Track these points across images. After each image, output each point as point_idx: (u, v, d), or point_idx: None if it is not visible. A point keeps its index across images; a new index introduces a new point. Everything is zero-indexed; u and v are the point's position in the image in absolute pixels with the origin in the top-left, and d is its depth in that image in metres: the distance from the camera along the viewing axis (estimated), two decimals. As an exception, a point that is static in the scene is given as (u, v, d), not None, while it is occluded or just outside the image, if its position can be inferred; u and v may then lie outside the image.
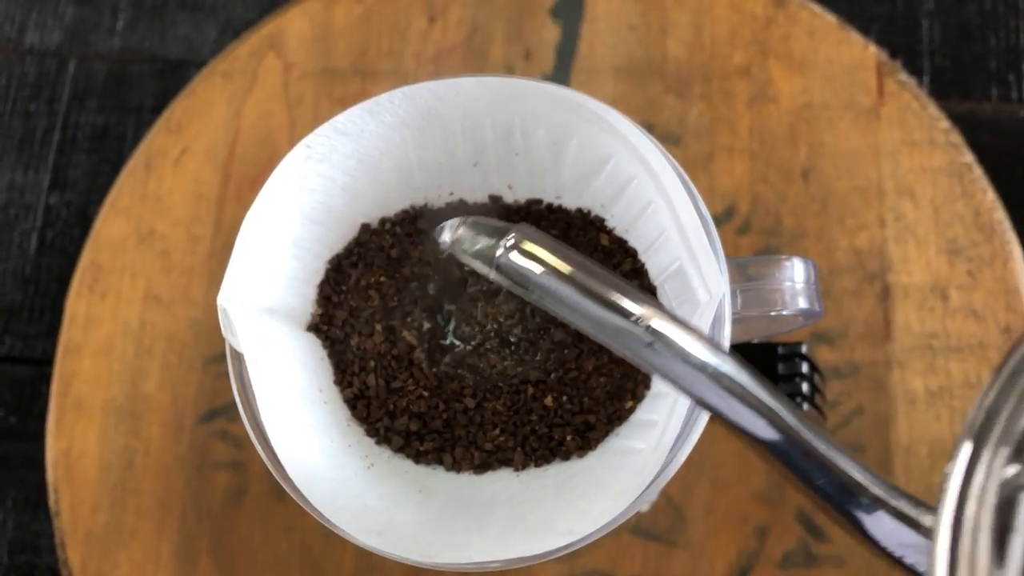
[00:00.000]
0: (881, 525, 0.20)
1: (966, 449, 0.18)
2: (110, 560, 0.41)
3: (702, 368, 0.20)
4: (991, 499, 0.18)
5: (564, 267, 0.21)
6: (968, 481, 0.18)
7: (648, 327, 0.20)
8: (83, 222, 0.47)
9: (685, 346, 0.20)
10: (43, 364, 0.45)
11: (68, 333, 0.44)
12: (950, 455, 0.18)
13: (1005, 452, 0.18)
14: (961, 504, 0.18)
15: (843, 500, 0.21)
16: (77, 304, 0.44)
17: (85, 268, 0.45)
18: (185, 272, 0.45)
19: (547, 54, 0.46)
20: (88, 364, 0.44)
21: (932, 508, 0.20)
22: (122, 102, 0.49)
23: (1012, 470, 0.18)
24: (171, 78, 0.49)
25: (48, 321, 0.46)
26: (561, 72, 0.46)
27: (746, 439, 0.21)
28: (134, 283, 0.44)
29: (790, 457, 0.21)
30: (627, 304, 0.21)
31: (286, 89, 0.47)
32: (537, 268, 0.21)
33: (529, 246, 0.22)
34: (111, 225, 0.45)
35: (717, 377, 0.20)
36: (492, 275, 0.22)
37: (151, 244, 0.45)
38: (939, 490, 0.18)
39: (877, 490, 0.21)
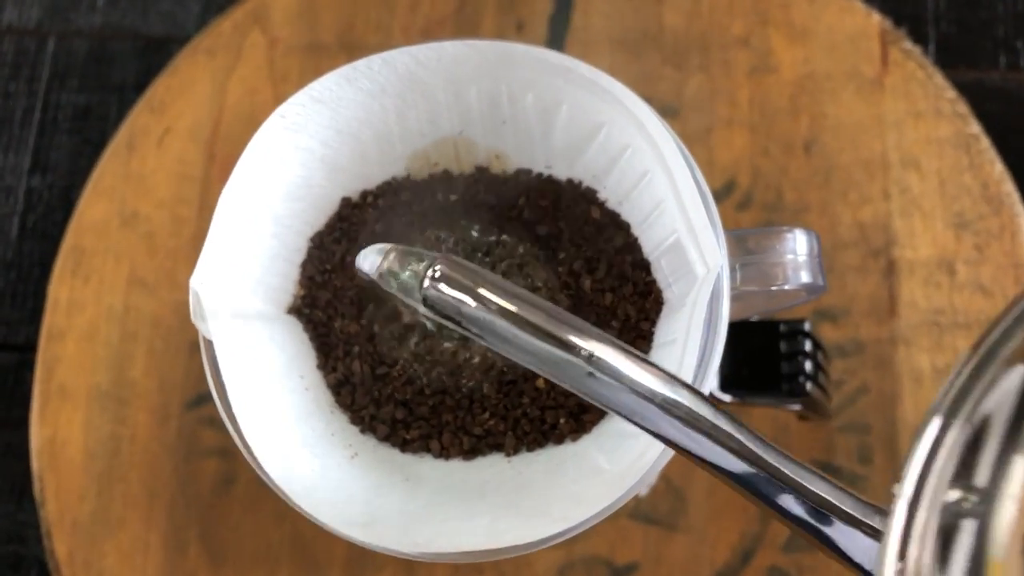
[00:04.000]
0: (856, 544, 0.20)
1: (926, 441, 0.17)
2: (97, 550, 0.40)
3: (651, 397, 0.20)
4: (935, 525, 0.17)
5: (496, 298, 0.20)
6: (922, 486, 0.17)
7: (590, 356, 0.20)
8: (66, 205, 0.46)
9: (632, 375, 0.20)
10: (26, 351, 0.44)
11: (51, 318, 0.43)
12: (902, 468, 0.18)
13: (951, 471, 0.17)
14: (910, 522, 0.17)
15: (817, 522, 0.20)
16: (60, 289, 0.43)
17: (67, 252, 0.44)
18: (170, 254, 0.44)
19: (540, 25, 0.45)
20: (72, 349, 0.42)
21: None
22: (104, 81, 0.48)
23: (953, 495, 0.17)
24: (154, 55, 0.48)
25: (31, 307, 0.45)
26: (555, 44, 0.45)
27: (709, 469, 0.20)
28: (118, 266, 0.43)
29: (756, 484, 0.20)
30: (566, 334, 0.20)
31: (271, 65, 0.45)
32: (467, 299, 0.21)
33: (456, 275, 0.21)
34: (93, 207, 0.44)
35: (669, 406, 0.20)
36: (420, 308, 0.22)
37: (134, 226, 0.44)
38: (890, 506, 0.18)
39: (851, 509, 0.20)
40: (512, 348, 0.20)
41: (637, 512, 0.39)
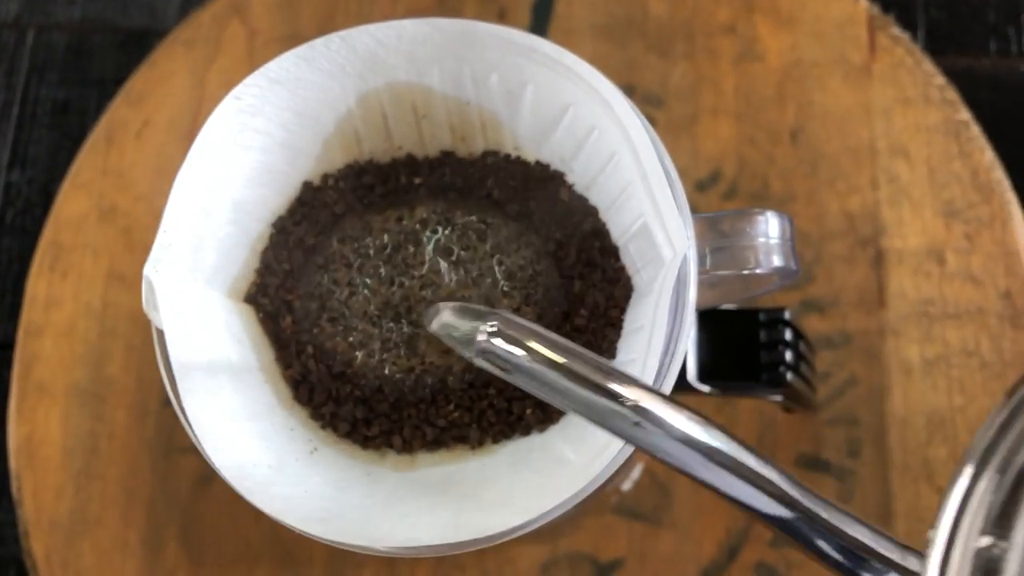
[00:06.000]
0: None
1: (954, 502, 0.18)
2: (75, 549, 0.40)
3: (692, 444, 0.20)
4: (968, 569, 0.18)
5: (547, 352, 0.22)
6: (952, 540, 0.18)
7: (635, 406, 0.21)
8: (45, 200, 0.45)
9: (674, 423, 0.20)
10: (4, 348, 0.44)
11: (28, 315, 0.42)
12: (936, 516, 0.18)
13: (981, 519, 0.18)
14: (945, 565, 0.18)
15: (856, 565, 0.20)
16: (38, 284, 0.43)
17: (45, 247, 0.43)
18: (149, 249, 0.42)
19: (523, 13, 0.44)
20: (50, 346, 0.42)
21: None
22: (83, 74, 0.47)
23: (985, 541, 0.18)
24: (134, 48, 0.47)
25: (9, 303, 0.45)
26: (538, 32, 0.44)
27: (747, 512, 0.21)
28: (96, 261, 0.43)
29: (794, 527, 0.21)
30: (612, 385, 0.21)
31: (251, 56, 0.45)
32: (520, 353, 0.22)
33: (511, 331, 0.22)
34: (71, 202, 0.44)
35: (709, 453, 0.20)
36: (477, 361, 0.23)
37: (113, 221, 0.43)
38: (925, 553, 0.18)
39: (889, 553, 0.20)
40: (562, 399, 0.22)
41: (621, 507, 0.39)
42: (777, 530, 0.21)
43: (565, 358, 0.21)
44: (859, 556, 0.20)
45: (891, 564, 0.20)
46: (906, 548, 0.21)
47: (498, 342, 0.22)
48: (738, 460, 0.20)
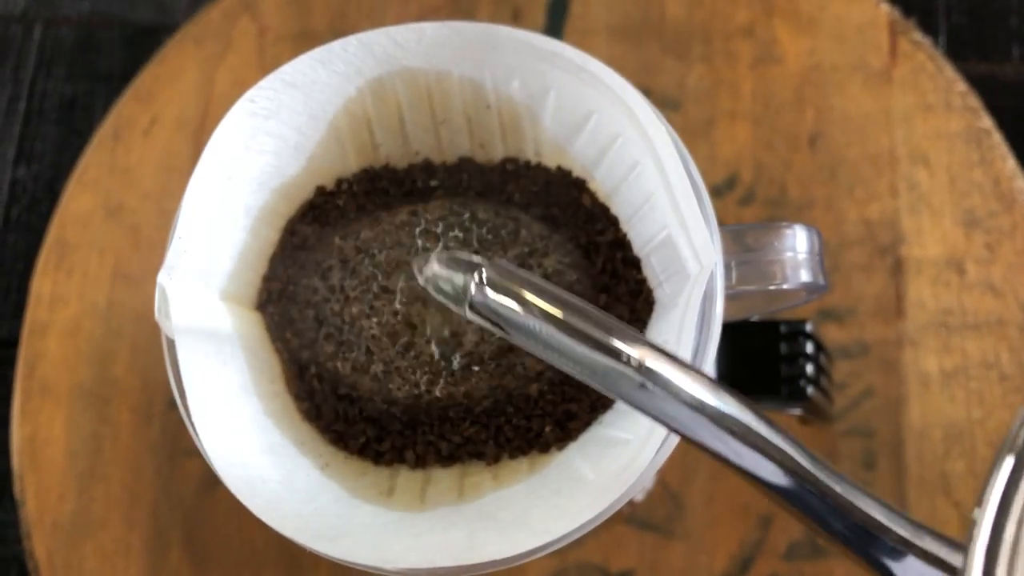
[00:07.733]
0: (910, 571, 0.19)
1: (1002, 477, 0.17)
2: (77, 551, 0.39)
3: (700, 408, 0.19)
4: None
5: (543, 304, 0.20)
6: (1002, 515, 0.17)
7: (640, 366, 0.19)
8: (51, 197, 0.45)
9: (681, 385, 0.19)
10: (9, 346, 0.43)
11: (33, 313, 0.42)
12: (980, 496, 0.17)
13: None
14: (994, 547, 0.17)
15: (867, 544, 0.19)
16: (43, 283, 0.42)
17: (51, 245, 0.43)
18: (155, 248, 0.42)
19: (538, 13, 0.44)
20: (54, 346, 0.41)
21: (964, 547, 0.18)
22: (91, 70, 0.46)
23: None
24: (142, 44, 0.47)
25: (14, 301, 0.44)
26: (553, 32, 0.43)
27: (754, 484, 0.20)
28: (102, 260, 0.42)
29: (803, 501, 0.19)
30: (615, 342, 0.19)
31: (261, 54, 0.44)
32: (514, 306, 0.20)
33: (504, 282, 0.20)
34: (78, 199, 0.43)
35: (718, 418, 0.19)
36: (468, 315, 0.21)
37: (120, 219, 0.43)
38: (969, 531, 0.17)
39: (903, 531, 0.19)
40: (560, 357, 0.20)
41: (633, 518, 0.38)
42: (788, 504, 0.20)
43: (563, 311, 0.20)
44: (871, 534, 0.19)
45: (905, 543, 0.19)
46: (921, 527, 0.19)
47: (490, 294, 0.20)
48: (748, 427, 0.19)
